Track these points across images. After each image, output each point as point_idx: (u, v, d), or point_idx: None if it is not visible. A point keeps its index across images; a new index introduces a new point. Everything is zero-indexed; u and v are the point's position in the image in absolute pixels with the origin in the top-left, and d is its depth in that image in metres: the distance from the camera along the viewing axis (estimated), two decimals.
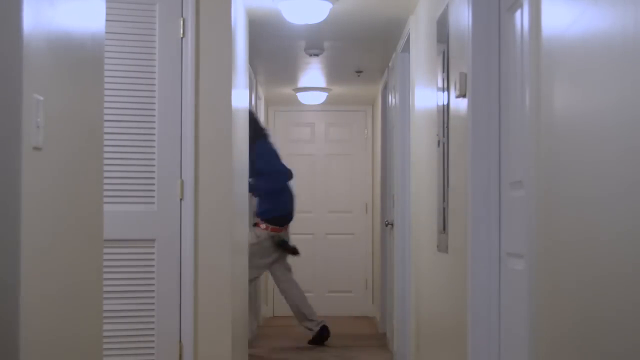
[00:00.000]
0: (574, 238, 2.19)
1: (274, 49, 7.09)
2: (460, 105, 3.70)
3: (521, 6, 3.02)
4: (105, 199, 2.94)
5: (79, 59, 2.53)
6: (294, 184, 7.46)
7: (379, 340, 7.85)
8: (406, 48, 6.08)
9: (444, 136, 4.18)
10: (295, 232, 9.86)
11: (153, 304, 4.36)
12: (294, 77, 8.44)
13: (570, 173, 2.23)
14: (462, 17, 3.64)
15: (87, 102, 2.63)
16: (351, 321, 9.28)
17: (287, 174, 7.29)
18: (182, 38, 4.43)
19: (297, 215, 10.02)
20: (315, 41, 6.80)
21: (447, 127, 4.07)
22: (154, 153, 4.37)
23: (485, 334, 3.40)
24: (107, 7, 3.05)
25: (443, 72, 4.17)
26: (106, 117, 2.97)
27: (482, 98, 3.43)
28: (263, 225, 7.22)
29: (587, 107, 2.10)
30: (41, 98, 2.08)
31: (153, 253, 4.37)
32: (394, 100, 6.89)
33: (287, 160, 9.91)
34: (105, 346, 2.97)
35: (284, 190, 7.31)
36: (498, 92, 3.40)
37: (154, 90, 4.38)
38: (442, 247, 4.20)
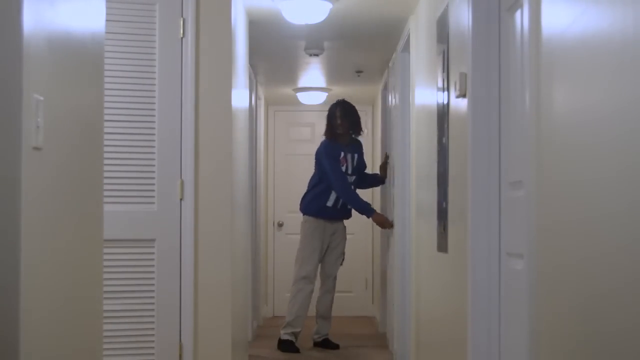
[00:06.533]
0: (573, 238, 2.19)
1: (274, 49, 7.09)
2: (460, 105, 3.70)
3: (521, 6, 3.02)
4: (105, 199, 2.94)
5: (79, 59, 2.53)
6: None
7: (379, 340, 7.84)
8: (406, 48, 6.08)
9: (444, 136, 4.17)
10: (296, 232, 9.87)
11: (153, 304, 4.36)
12: (294, 77, 8.44)
13: (570, 173, 2.23)
14: (462, 17, 3.64)
15: (87, 102, 2.63)
16: (351, 321, 9.28)
17: None
18: (182, 38, 4.43)
19: (298, 215, 10.04)
20: (315, 41, 6.80)
21: (447, 127, 4.07)
22: (154, 153, 4.37)
23: (485, 334, 3.40)
24: (107, 7, 3.05)
25: (443, 72, 4.17)
26: (106, 117, 2.97)
27: (482, 98, 3.42)
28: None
29: (587, 106, 2.10)
30: (41, 98, 2.08)
31: (153, 253, 4.37)
32: (394, 100, 6.89)
33: (287, 160, 9.98)
34: (105, 346, 2.97)
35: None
36: (498, 92, 3.39)
37: (154, 90, 4.38)
38: (442, 247, 4.20)
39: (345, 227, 7.29)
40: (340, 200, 7.06)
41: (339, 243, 7.21)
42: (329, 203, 7.07)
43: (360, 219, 9.83)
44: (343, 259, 7.32)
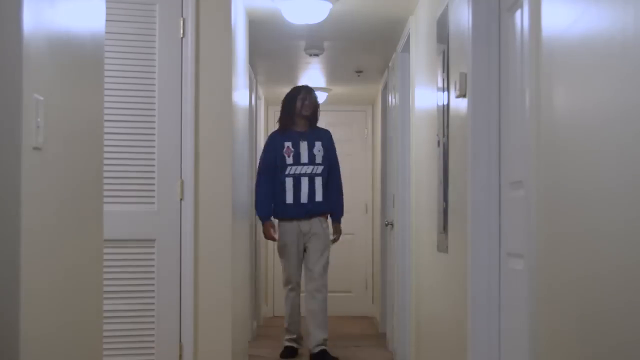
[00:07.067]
0: (574, 238, 2.19)
1: (274, 49, 7.09)
2: (460, 105, 3.70)
3: (521, 6, 3.02)
4: (105, 199, 2.94)
5: (79, 59, 2.53)
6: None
7: (379, 340, 7.85)
8: (406, 48, 6.08)
9: (444, 136, 4.17)
10: None
11: (153, 304, 4.36)
12: (294, 77, 8.45)
13: (570, 173, 2.23)
14: (462, 17, 3.64)
15: (87, 102, 2.63)
16: (351, 321, 9.28)
17: None
18: (182, 38, 4.43)
19: None
20: (315, 41, 6.80)
21: (447, 127, 4.07)
22: (154, 153, 4.37)
23: (485, 334, 3.40)
24: (107, 7, 3.05)
25: (443, 72, 4.17)
26: (106, 117, 2.97)
27: (482, 98, 3.43)
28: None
29: (587, 107, 2.10)
30: (41, 98, 2.08)
31: (153, 253, 4.37)
32: (394, 100, 6.89)
33: None
34: (105, 346, 2.97)
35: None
36: (498, 92, 3.40)
37: (154, 91, 4.38)
38: (442, 247, 4.20)
39: (324, 225, 6.54)
40: (302, 194, 6.41)
41: (316, 243, 6.48)
42: (288, 200, 6.43)
43: (360, 218, 9.89)
44: (326, 264, 6.55)
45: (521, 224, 2.96)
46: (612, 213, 1.91)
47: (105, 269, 2.95)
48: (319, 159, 6.49)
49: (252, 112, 7.42)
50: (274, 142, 6.53)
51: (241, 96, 5.41)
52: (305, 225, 6.48)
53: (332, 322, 7.97)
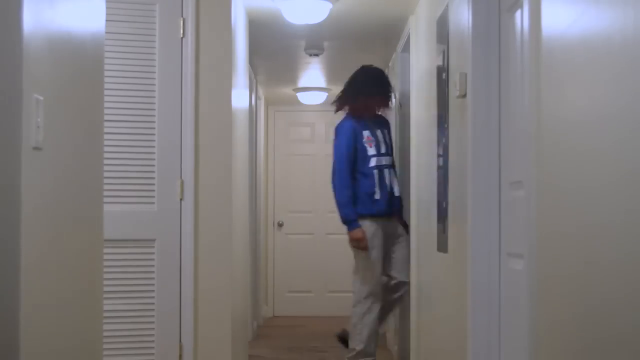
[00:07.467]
0: (573, 237, 2.19)
1: (274, 49, 7.09)
2: (460, 105, 3.70)
3: (521, 6, 3.02)
4: (105, 199, 2.94)
5: (79, 59, 2.53)
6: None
7: (379, 341, 7.83)
8: (406, 48, 6.08)
9: (444, 136, 4.17)
10: (296, 232, 9.88)
11: (153, 304, 4.36)
12: (294, 77, 8.45)
13: (570, 173, 2.23)
14: (462, 17, 3.64)
15: (87, 102, 2.63)
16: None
17: None
18: (182, 38, 4.43)
19: (298, 215, 10.06)
20: (315, 41, 6.80)
21: (447, 127, 4.07)
22: (154, 153, 4.37)
23: (485, 334, 3.40)
24: (107, 7, 3.05)
25: (443, 72, 4.17)
26: (106, 117, 2.97)
27: (482, 98, 3.43)
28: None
29: (587, 107, 2.10)
30: (41, 98, 2.08)
31: (153, 253, 4.37)
32: (393, 100, 6.88)
33: (287, 160, 9.97)
34: (105, 346, 2.97)
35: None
36: (498, 92, 3.40)
37: (154, 90, 4.38)
38: (442, 247, 4.20)
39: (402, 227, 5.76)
40: (387, 187, 5.57)
41: (403, 248, 5.66)
42: (377, 195, 5.55)
43: None
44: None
45: (521, 224, 2.95)
46: (611, 213, 1.91)
47: (105, 269, 2.95)
48: (391, 149, 5.72)
49: (252, 112, 7.42)
50: (353, 131, 5.61)
51: (241, 96, 5.41)
52: (390, 227, 5.61)
53: (333, 322, 7.97)
